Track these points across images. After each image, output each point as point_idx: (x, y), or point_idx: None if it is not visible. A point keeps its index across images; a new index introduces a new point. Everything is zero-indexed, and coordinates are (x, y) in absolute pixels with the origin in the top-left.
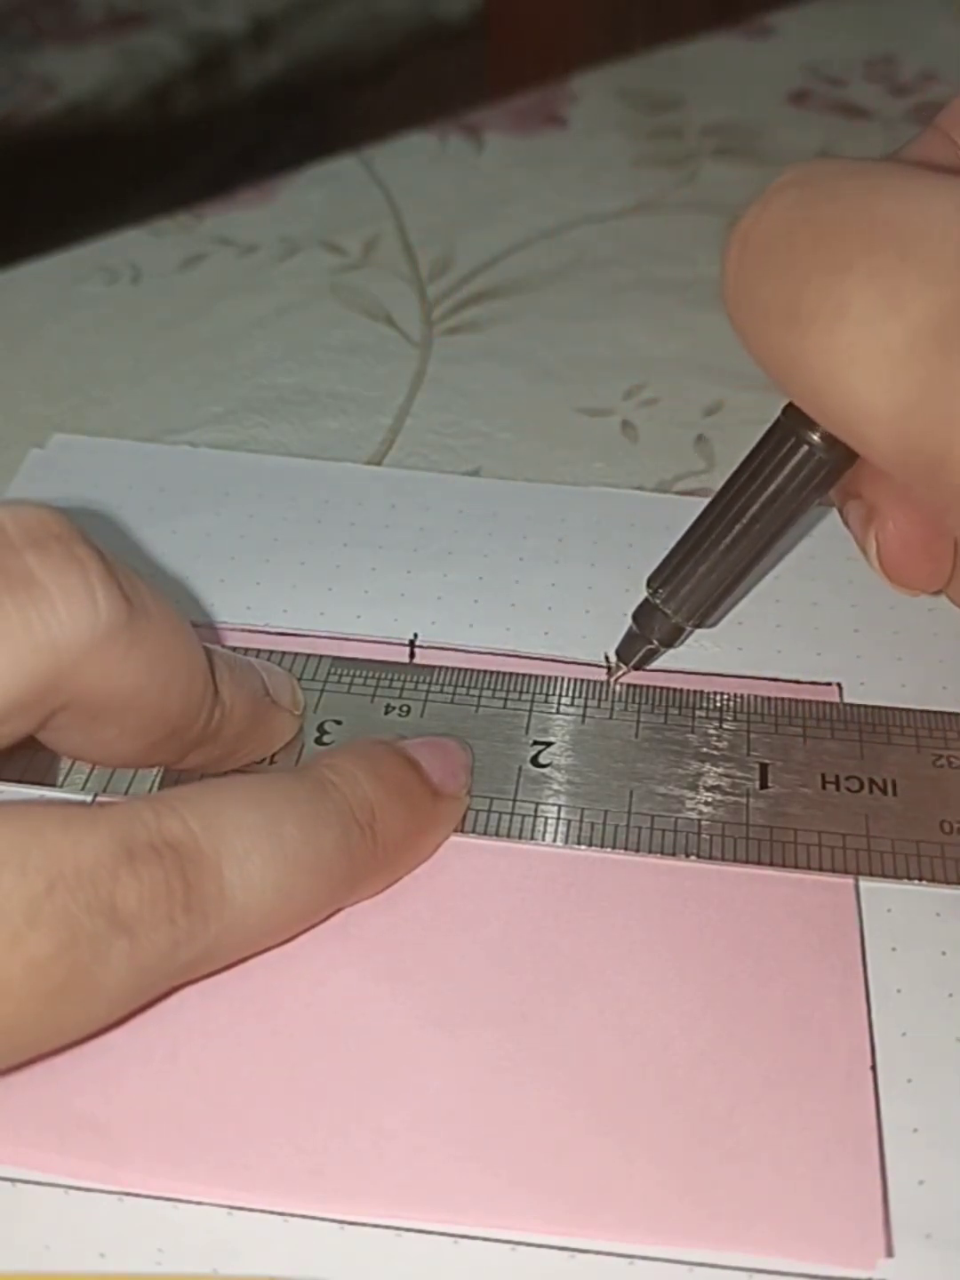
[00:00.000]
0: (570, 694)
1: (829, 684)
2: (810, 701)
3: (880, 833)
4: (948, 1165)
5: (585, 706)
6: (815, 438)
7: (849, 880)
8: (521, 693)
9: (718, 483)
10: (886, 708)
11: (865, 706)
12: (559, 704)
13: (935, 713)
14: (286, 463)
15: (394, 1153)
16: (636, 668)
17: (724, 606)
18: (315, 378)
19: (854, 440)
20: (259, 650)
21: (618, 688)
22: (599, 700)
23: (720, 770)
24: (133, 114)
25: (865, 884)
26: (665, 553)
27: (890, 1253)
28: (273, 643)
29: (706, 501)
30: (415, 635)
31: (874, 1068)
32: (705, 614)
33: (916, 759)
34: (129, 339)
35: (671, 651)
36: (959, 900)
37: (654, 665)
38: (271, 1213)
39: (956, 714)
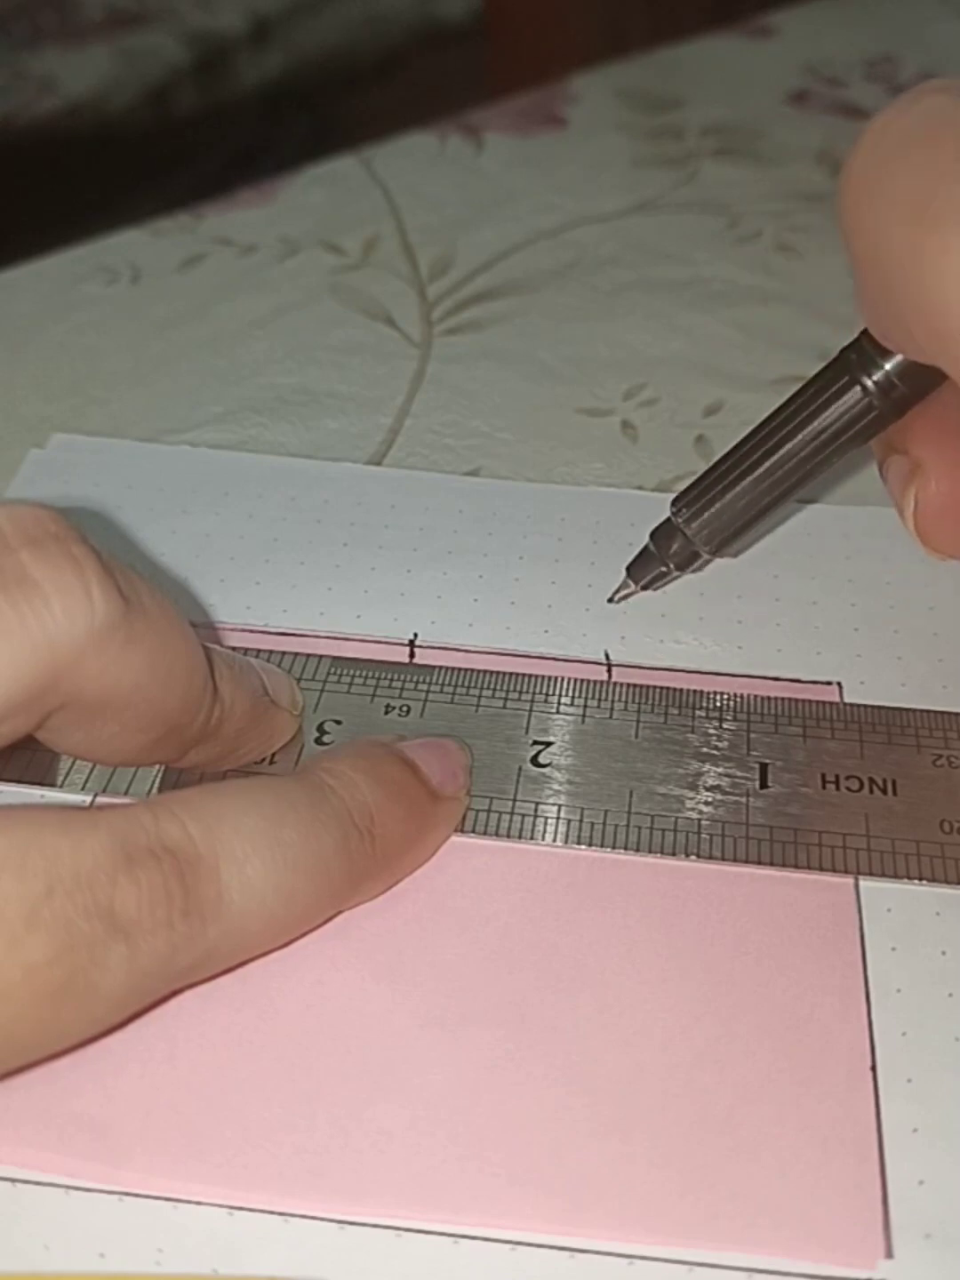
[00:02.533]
0: (570, 694)
1: (829, 683)
2: (810, 701)
3: (880, 832)
4: (948, 1165)
5: (585, 706)
6: (870, 383)
7: (849, 880)
8: (521, 693)
9: None
10: (886, 707)
11: (865, 706)
12: (559, 704)
13: (935, 712)
14: (286, 463)
15: (394, 1153)
16: (645, 589)
17: (743, 540)
18: (315, 378)
19: (946, 353)
20: (259, 650)
21: (617, 685)
22: (599, 700)
23: (720, 770)
24: (132, 114)
25: (865, 884)
26: None
27: (890, 1253)
28: (273, 643)
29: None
30: (415, 635)
31: (874, 1068)
32: (724, 542)
33: (916, 759)
34: (129, 339)
35: (670, 649)
36: (959, 900)
37: (652, 664)
38: (271, 1213)
39: (956, 714)
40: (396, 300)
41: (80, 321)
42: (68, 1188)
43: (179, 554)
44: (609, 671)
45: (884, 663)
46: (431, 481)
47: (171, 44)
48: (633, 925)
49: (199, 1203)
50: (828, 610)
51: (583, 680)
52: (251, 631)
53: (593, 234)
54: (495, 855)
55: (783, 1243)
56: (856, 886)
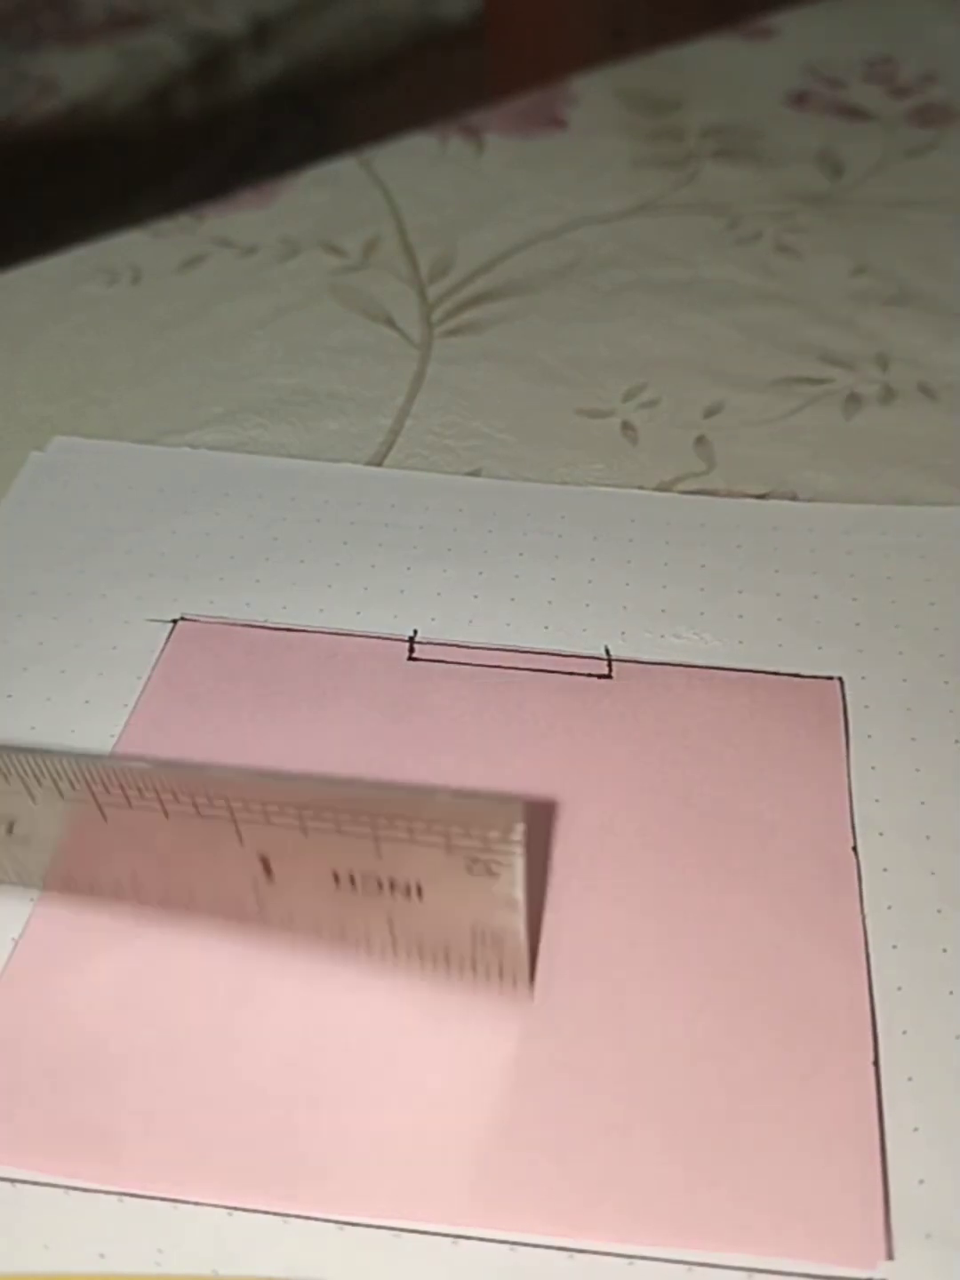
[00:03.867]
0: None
1: (831, 678)
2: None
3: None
4: (948, 1164)
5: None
6: None
7: (852, 877)
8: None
9: (718, 483)
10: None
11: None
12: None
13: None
14: (286, 463)
15: (394, 1153)
16: None
17: None
18: (315, 378)
19: None
20: (258, 647)
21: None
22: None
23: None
24: (133, 115)
25: (869, 879)
26: (663, 548)
27: (891, 1254)
28: (271, 639)
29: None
30: (415, 632)
31: (876, 1065)
32: None
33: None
34: (129, 340)
35: (670, 644)
36: None
37: (652, 659)
38: (271, 1213)
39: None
40: (396, 301)
41: (80, 322)
42: (68, 1188)
43: (179, 554)
44: (609, 667)
45: (885, 657)
46: (431, 482)
47: (172, 45)
48: (634, 923)
49: (199, 1203)
50: (829, 605)
51: None
52: (252, 627)
53: (593, 235)
54: None
55: (783, 1243)
56: (859, 885)
